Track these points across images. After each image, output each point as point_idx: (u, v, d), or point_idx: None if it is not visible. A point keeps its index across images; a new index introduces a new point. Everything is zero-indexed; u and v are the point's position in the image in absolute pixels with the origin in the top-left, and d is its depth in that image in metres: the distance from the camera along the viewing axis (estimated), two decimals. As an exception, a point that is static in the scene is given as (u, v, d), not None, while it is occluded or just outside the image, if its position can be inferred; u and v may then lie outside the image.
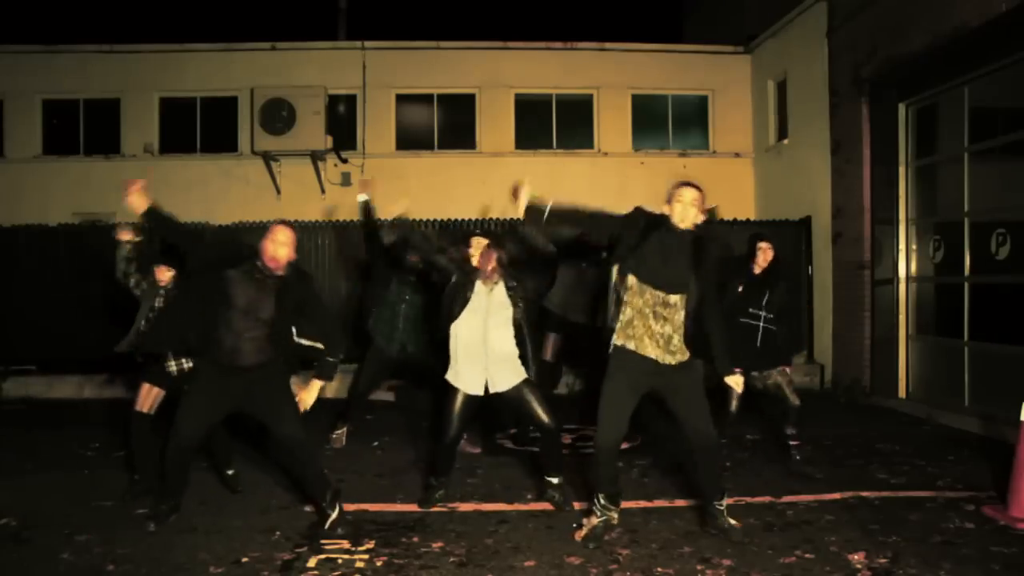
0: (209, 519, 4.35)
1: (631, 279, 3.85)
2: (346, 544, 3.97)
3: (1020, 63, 6.64)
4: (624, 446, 6.23)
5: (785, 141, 11.08)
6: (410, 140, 12.10)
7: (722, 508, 4.02)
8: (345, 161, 11.67)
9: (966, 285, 7.52)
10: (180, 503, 4.31)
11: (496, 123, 12.03)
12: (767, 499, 4.69)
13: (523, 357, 4.45)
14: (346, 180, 11.70)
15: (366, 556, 3.80)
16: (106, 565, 3.70)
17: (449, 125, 12.28)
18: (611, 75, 12.04)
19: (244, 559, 3.77)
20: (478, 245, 4.59)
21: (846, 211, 9.00)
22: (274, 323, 4.05)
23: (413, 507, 4.59)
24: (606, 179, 11.74)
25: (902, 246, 8.42)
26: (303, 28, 13.47)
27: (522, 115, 12.15)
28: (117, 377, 9.02)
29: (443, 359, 4.53)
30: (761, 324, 5.40)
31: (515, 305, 4.44)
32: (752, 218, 11.16)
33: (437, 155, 12.08)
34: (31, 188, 11.31)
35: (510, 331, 4.43)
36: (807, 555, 3.79)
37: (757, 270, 5.47)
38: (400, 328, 5.92)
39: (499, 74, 11.98)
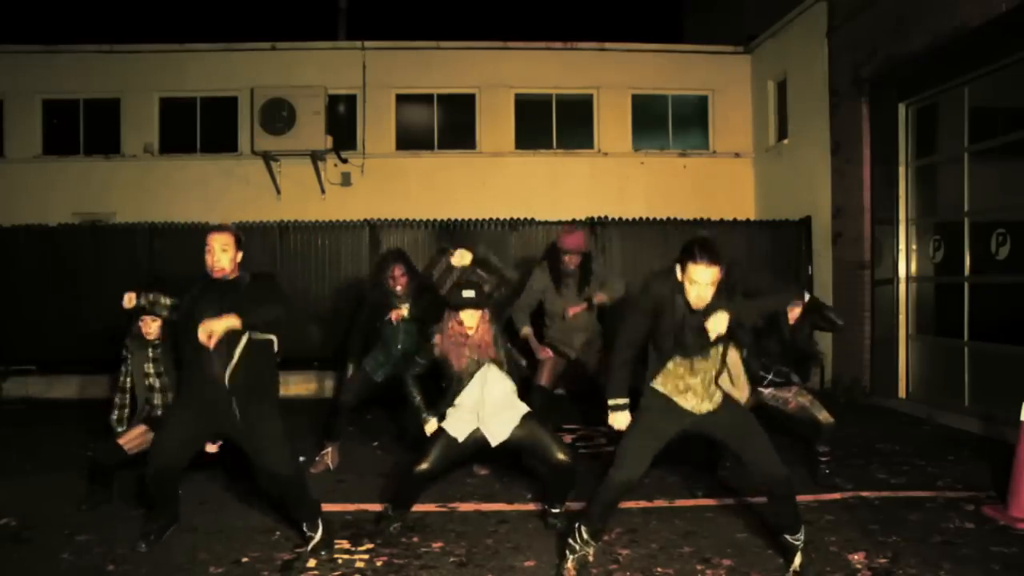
0: (209, 519, 4.35)
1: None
2: (346, 544, 3.97)
3: (1020, 63, 6.64)
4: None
5: (785, 141, 11.08)
6: (410, 140, 12.10)
7: (799, 543, 3.55)
8: (345, 161, 11.67)
9: (966, 285, 7.52)
10: (177, 514, 4.13)
11: (496, 123, 12.03)
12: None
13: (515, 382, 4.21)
14: (346, 180, 11.70)
15: (366, 556, 3.81)
16: (106, 565, 3.70)
17: (449, 125, 12.28)
18: (611, 75, 12.04)
19: (244, 559, 3.77)
20: (471, 318, 4.14)
21: (846, 211, 9.00)
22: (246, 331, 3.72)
23: (413, 507, 4.59)
24: (606, 179, 11.75)
25: (902, 246, 8.42)
26: (303, 28, 13.46)
27: (522, 115, 12.14)
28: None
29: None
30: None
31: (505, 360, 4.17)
32: (752, 218, 11.17)
33: (437, 155, 12.07)
34: (31, 188, 11.30)
35: (505, 378, 4.16)
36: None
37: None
38: (392, 363, 5.45)
39: (499, 74, 11.98)
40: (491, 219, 9.92)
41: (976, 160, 7.47)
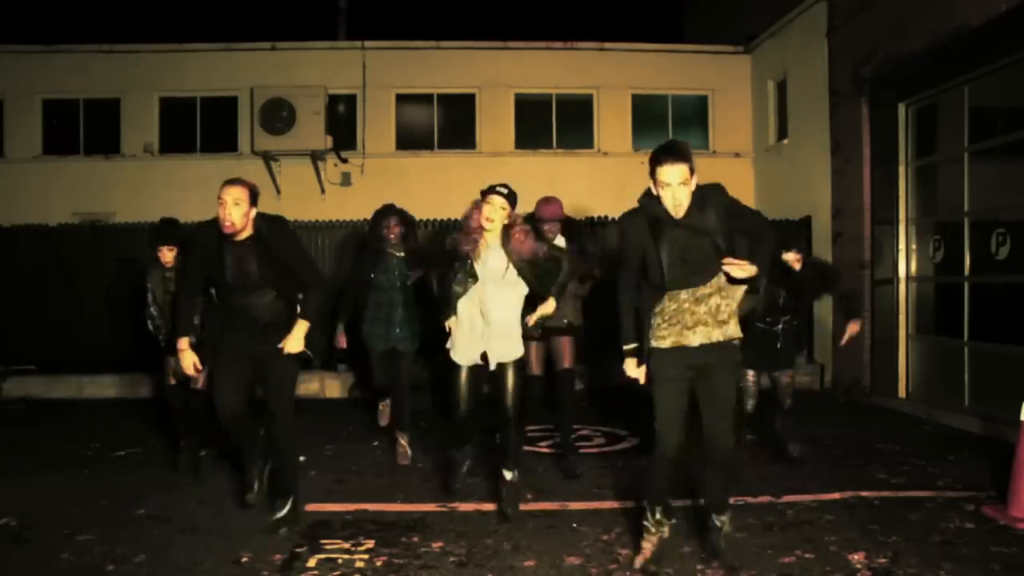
0: (209, 519, 4.34)
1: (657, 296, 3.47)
2: (346, 544, 3.97)
3: (1020, 63, 6.64)
4: (624, 446, 6.27)
5: (785, 141, 11.08)
6: (410, 140, 12.10)
7: (722, 525, 3.64)
8: (345, 161, 11.67)
9: (966, 285, 7.52)
10: (267, 457, 4.27)
11: (496, 123, 12.03)
12: (767, 499, 4.68)
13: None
14: (346, 180, 11.71)
15: (366, 556, 3.80)
16: (106, 565, 3.69)
17: (449, 125, 12.28)
18: (611, 75, 12.04)
19: (244, 559, 3.77)
20: (495, 209, 4.38)
21: (846, 211, 9.00)
22: (269, 283, 3.99)
23: (413, 507, 4.59)
24: (606, 179, 11.73)
25: (902, 246, 8.42)
26: (303, 28, 13.47)
27: (522, 115, 12.15)
28: (117, 377, 9.04)
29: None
30: (780, 327, 5.43)
31: (528, 279, 4.32)
32: (752, 218, 11.16)
33: (437, 155, 12.08)
34: (31, 188, 11.31)
35: (514, 306, 4.34)
36: (807, 555, 3.79)
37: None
38: (394, 328, 5.60)
39: (499, 74, 11.98)
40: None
41: (976, 160, 7.47)
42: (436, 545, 3.96)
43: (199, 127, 11.94)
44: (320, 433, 6.64)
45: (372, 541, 4.01)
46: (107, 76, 11.60)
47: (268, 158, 11.30)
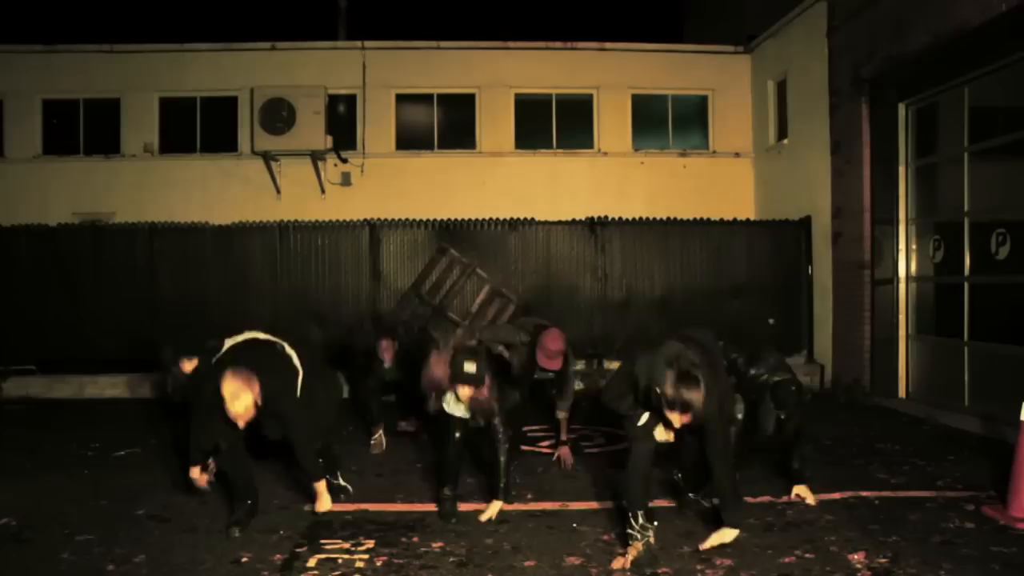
0: (209, 519, 4.35)
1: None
2: (346, 544, 3.97)
3: (1020, 63, 6.63)
4: (625, 446, 6.26)
5: (785, 141, 11.08)
6: (410, 140, 12.10)
7: (709, 505, 4.01)
8: (345, 161, 11.67)
9: (966, 285, 7.52)
10: (257, 503, 4.36)
11: (496, 123, 12.03)
12: (767, 499, 4.68)
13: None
14: (346, 180, 11.71)
15: (366, 556, 3.80)
16: (106, 565, 3.70)
17: (449, 125, 12.28)
18: (611, 75, 12.04)
19: (244, 559, 3.77)
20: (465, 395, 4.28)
21: (846, 211, 9.00)
22: (268, 424, 4.23)
23: (413, 507, 4.60)
24: (606, 179, 11.75)
25: (902, 246, 8.42)
26: (303, 28, 13.47)
27: (522, 115, 12.14)
28: (117, 377, 9.04)
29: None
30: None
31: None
32: (752, 218, 11.17)
33: (437, 155, 12.07)
34: (31, 188, 11.30)
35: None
36: (807, 555, 3.79)
37: None
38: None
39: (499, 74, 11.98)
40: (491, 219, 9.92)
41: (976, 160, 7.47)
42: (436, 545, 3.96)
43: (199, 127, 11.94)
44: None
45: (372, 541, 4.01)
46: (107, 76, 11.60)
47: (268, 158, 11.30)
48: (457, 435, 4.43)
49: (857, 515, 4.39)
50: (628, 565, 3.63)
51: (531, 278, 9.86)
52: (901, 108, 8.37)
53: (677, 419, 3.49)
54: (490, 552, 3.87)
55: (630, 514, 3.73)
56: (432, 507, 4.57)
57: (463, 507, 4.58)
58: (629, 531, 3.72)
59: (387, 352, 6.12)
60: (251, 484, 4.34)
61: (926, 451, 6.03)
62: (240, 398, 3.91)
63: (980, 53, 6.97)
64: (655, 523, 3.79)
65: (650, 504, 3.85)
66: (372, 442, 6.12)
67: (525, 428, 6.63)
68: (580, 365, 8.32)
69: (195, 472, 4.24)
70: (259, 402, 3.97)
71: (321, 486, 4.37)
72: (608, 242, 9.92)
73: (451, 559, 3.77)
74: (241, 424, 4.00)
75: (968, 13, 6.81)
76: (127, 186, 11.41)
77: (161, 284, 9.59)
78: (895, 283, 8.43)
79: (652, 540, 3.72)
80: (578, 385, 5.98)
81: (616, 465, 5.55)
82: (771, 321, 9.78)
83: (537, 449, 6.14)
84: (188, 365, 5.04)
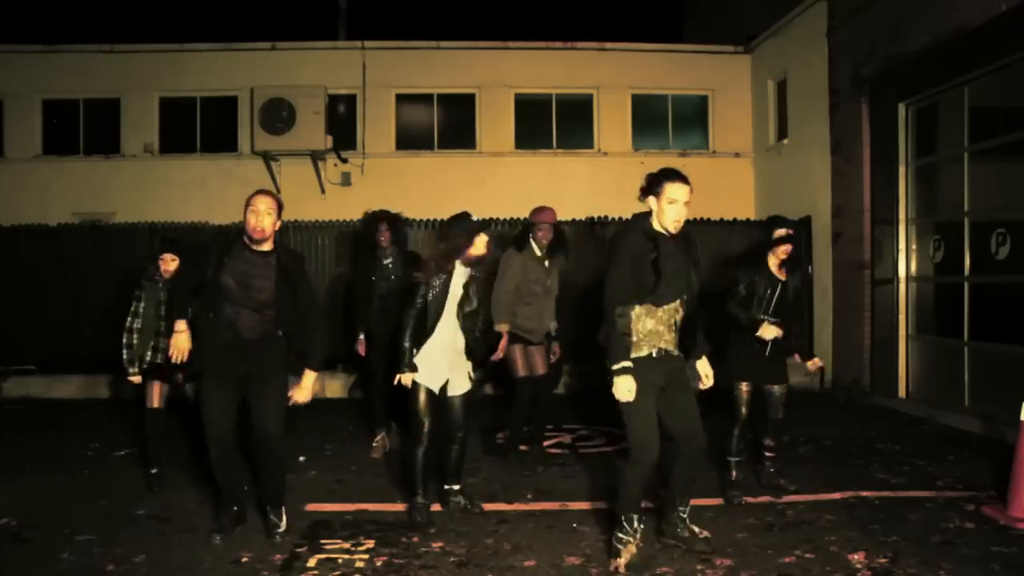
0: (209, 519, 4.34)
1: (638, 308, 3.60)
2: (346, 544, 3.97)
3: (1020, 63, 6.64)
4: (625, 446, 6.26)
5: (785, 141, 11.08)
6: (410, 140, 12.10)
7: (685, 516, 3.85)
8: (345, 161, 11.68)
9: (966, 285, 7.52)
10: (244, 511, 4.19)
11: (496, 123, 12.03)
12: (767, 499, 4.69)
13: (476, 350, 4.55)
14: (346, 180, 11.71)
15: (366, 556, 3.80)
16: (106, 565, 3.70)
17: (449, 125, 12.28)
18: (611, 75, 12.04)
19: (244, 559, 3.77)
20: (483, 242, 4.44)
21: (846, 211, 9.00)
22: (273, 301, 3.94)
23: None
24: (606, 179, 11.73)
25: (902, 246, 8.42)
26: (303, 28, 13.48)
27: (522, 115, 12.14)
28: (117, 377, 9.04)
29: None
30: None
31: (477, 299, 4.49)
32: (752, 218, 11.16)
33: (437, 155, 12.08)
34: (31, 188, 11.31)
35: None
36: (807, 555, 3.79)
37: (776, 270, 4.85)
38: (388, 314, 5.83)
39: (499, 74, 11.98)
40: (491, 219, 9.91)
41: (976, 160, 7.47)
42: (436, 545, 3.96)
43: (199, 127, 11.94)
44: (320, 433, 6.65)
45: (372, 541, 4.01)
46: (107, 76, 11.60)
47: (268, 158, 11.30)
48: (427, 429, 4.31)
49: (857, 515, 4.39)
50: (623, 568, 3.60)
51: (531, 278, 9.84)
52: (901, 108, 8.37)
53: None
54: (490, 552, 3.87)
55: (624, 517, 3.63)
56: (432, 507, 4.56)
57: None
58: (620, 535, 3.63)
59: (385, 233, 5.91)
60: (239, 490, 4.17)
61: (926, 451, 6.03)
62: (272, 214, 3.89)
63: (980, 53, 6.97)
64: (643, 525, 3.73)
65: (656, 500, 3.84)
66: (373, 445, 6.07)
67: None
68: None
69: (182, 325, 3.97)
70: (276, 244, 3.97)
71: (314, 376, 4.10)
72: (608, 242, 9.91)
73: (451, 559, 3.77)
74: (258, 234, 3.86)
75: (968, 13, 6.81)
76: (127, 186, 11.42)
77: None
78: (895, 283, 8.43)
79: (640, 543, 3.69)
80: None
81: (614, 466, 5.57)
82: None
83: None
84: (171, 263, 5.03)
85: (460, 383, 4.45)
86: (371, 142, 11.86)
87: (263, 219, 3.89)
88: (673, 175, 3.66)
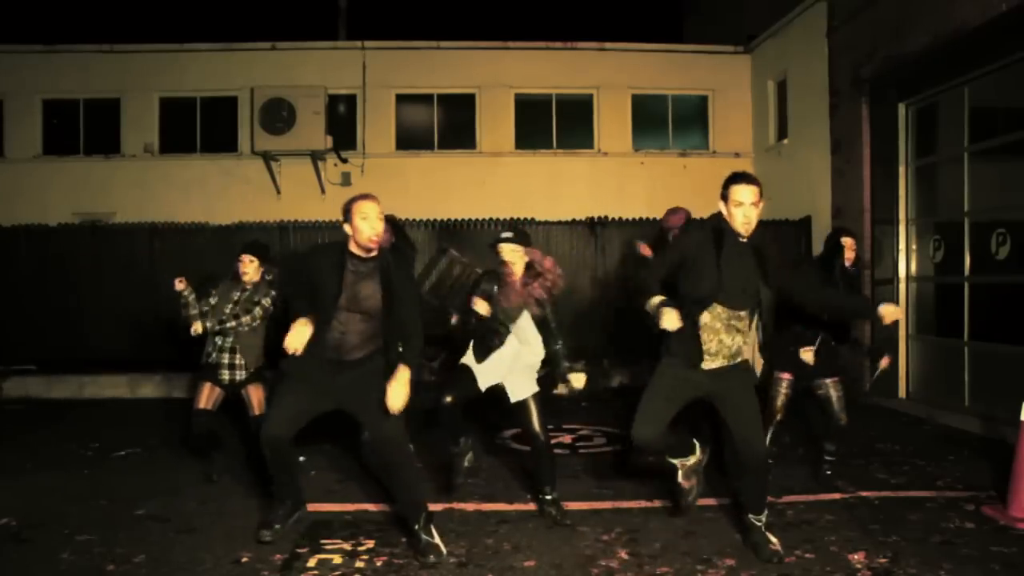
0: (209, 519, 4.34)
1: (705, 314, 3.59)
2: (346, 544, 3.97)
3: (1020, 63, 6.64)
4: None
5: (785, 141, 11.08)
6: (410, 140, 12.11)
7: (758, 523, 3.80)
8: (345, 161, 11.68)
9: (966, 285, 7.52)
10: (300, 502, 4.12)
11: (496, 123, 12.03)
12: (767, 499, 4.68)
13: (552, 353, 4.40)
14: (346, 180, 11.71)
15: (366, 556, 3.80)
16: (106, 565, 3.69)
17: (449, 125, 12.29)
18: (611, 75, 12.04)
19: (244, 559, 3.77)
20: (512, 254, 4.31)
21: (846, 211, 9.00)
22: (382, 312, 3.71)
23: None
24: (606, 179, 11.75)
25: (902, 246, 8.42)
26: (303, 28, 13.47)
27: (522, 115, 12.15)
28: (117, 377, 9.04)
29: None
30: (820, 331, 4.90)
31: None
32: (752, 218, 11.16)
33: (437, 155, 12.08)
34: (31, 188, 11.31)
35: (538, 341, 4.36)
36: (807, 555, 3.79)
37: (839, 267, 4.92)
38: None
39: (499, 74, 11.98)
40: (491, 219, 9.92)
41: (976, 160, 7.47)
42: (436, 545, 3.95)
43: (199, 127, 11.95)
44: (320, 433, 6.63)
45: (372, 541, 4.01)
46: (107, 76, 11.60)
47: (268, 158, 11.30)
48: (458, 391, 4.30)
49: (857, 515, 4.39)
50: (682, 479, 3.84)
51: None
52: (901, 108, 8.37)
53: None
54: (490, 552, 3.87)
55: (678, 461, 3.83)
56: (432, 507, 4.56)
57: (463, 507, 4.58)
58: (675, 472, 3.84)
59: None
60: (294, 484, 4.05)
61: (926, 451, 6.03)
62: (381, 218, 3.69)
63: (980, 53, 6.98)
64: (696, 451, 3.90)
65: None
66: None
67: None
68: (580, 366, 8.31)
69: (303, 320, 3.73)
70: (382, 250, 3.79)
71: (408, 374, 3.73)
72: (608, 242, 9.91)
73: (451, 559, 3.76)
74: (374, 243, 3.65)
75: (968, 13, 6.81)
76: (127, 186, 11.42)
77: (161, 284, 9.55)
78: (895, 283, 8.43)
79: (699, 455, 3.90)
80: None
81: (613, 467, 5.57)
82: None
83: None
84: (250, 265, 5.02)
85: (519, 388, 4.35)
86: (371, 142, 11.86)
87: (376, 225, 3.66)
88: (738, 178, 3.60)
